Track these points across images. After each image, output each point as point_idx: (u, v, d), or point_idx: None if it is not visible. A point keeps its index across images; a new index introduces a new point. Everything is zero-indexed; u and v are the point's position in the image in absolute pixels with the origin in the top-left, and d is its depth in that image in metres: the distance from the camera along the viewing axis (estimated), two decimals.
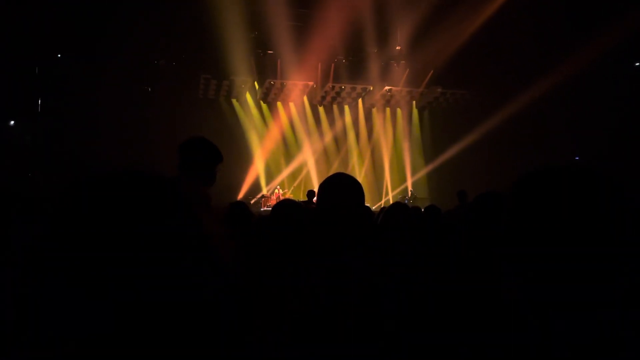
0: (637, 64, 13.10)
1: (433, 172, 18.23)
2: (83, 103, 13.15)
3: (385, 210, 2.91)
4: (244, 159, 16.37)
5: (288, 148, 17.55)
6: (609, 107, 12.62)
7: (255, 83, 16.27)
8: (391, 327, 1.46)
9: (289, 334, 1.62)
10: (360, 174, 17.74)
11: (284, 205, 2.67)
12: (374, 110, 18.32)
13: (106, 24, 12.56)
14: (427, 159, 18.51)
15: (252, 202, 15.23)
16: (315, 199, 10.25)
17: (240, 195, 15.79)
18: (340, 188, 1.80)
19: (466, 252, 1.74)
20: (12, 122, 13.17)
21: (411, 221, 2.68)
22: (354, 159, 18.08)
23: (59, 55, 13.36)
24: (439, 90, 16.84)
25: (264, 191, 16.18)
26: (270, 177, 16.80)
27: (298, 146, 17.37)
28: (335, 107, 18.00)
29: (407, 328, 1.49)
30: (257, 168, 16.55)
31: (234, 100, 16.71)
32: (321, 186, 1.83)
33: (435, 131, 18.74)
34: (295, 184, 17.04)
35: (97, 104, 13.26)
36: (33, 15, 11.66)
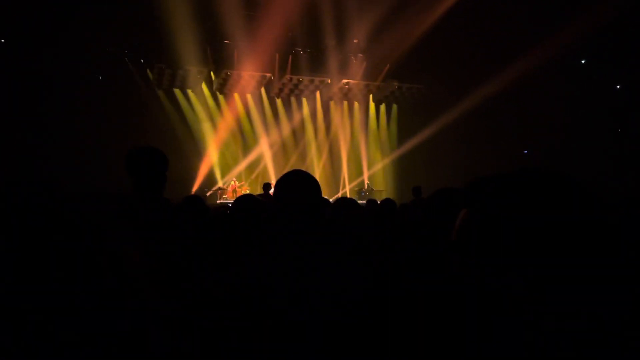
0: (583, 61, 13.75)
1: (389, 165, 18.54)
2: (30, 92, 12.48)
3: (333, 204, 2.91)
4: (199, 150, 16.06)
5: (245, 140, 17.35)
6: (561, 102, 13.21)
7: (212, 73, 15.95)
8: (352, 322, 1.46)
9: (253, 331, 1.59)
10: (318, 166, 17.81)
11: (244, 201, 2.63)
12: (332, 103, 18.37)
13: (53, 9, 11.93)
14: (384, 152, 18.79)
15: (208, 194, 14.99)
16: (271, 191, 10.21)
17: (196, 187, 15.51)
18: (297, 185, 1.80)
19: (416, 248, 1.76)
20: None
21: (359, 215, 2.69)
22: (312, 151, 18.09)
23: (2, 41, 12.59)
24: (396, 84, 17.08)
25: (220, 183, 15.95)
26: (226, 170, 16.56)
27: (255, 138, 17.20)
28: (293, 99, 17.93)
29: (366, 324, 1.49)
30: (213, 160, 16.27)
31: (189, 91, 16.31)
32: (278, 182, 1.83)
33: (392, 124, 19.04)
34: (252, 177, 16.89)
35: (45, 93, 12.62)
36: None
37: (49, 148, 12.36)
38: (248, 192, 14.05)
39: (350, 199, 3.02)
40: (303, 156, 18.04)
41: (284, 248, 1.72)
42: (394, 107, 18.92)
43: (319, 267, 1.64)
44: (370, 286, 1.56)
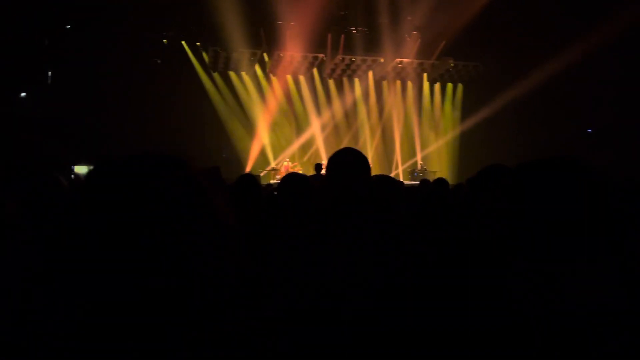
0: None
1: (444, 146, 18.11)
2: (93, 75, 13.14)
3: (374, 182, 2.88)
4: (253, 131, 16.37)
5: (297, 121, 17.47)
6: (623, 82, 12.36)
7: (265, 55, 16.11)
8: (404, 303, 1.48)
9: (294, 315, 1.61)
10: (370, 147, 17.66)
11: (291, 179, 2.67)
12: (385, 82, 18.09)
13: None
14: (438, 133, 18.36)
15: (262, 174, 15.29)
16: (323, 171, 10.32)
17: (249, 168, 15.86)
18: (347, 163, 1.80)
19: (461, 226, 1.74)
20: (23, 94, 13.22)
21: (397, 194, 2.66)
22: (365, 132, 17.95)
23: (68, 27, 13.28)
24: (451, 62, 16.50)
25: (273, 164, 16.19)
26: (279, 150, 16.78)
27: (307, 119, 17.27)
28: (345, 79, 17.81)
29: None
30: (266, 141, 16.52)
31: (243, 73, 16.57)
32: (329, 160, 1.83)
33: (446, 104, 18.53)
34: (305, 158, 17.02)
35: (106, 77, 13.24)
36: None
37: (109, 126, 12.98)
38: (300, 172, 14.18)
39: (387, 176, 2.99)
40: (356, 137, 17.95)
41: (329, 229, 1.71)
42: (449, 85, 18.37)
43: (363, 250, 1.64)
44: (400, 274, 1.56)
